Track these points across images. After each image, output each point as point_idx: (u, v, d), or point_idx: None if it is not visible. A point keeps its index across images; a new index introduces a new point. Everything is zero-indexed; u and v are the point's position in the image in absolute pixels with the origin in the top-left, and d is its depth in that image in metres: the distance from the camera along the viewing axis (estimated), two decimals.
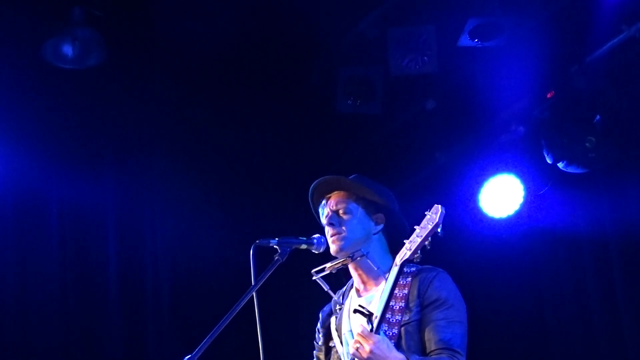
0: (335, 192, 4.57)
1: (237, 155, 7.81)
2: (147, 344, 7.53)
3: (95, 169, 7.57)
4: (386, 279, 4.23)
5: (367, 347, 3.88)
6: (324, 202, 4.59)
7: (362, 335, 3.92)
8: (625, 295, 6.96)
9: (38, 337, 7.14)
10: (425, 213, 4.07)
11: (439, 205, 4.03)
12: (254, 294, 4.03)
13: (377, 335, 3.94)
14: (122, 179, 7.69)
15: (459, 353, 4.14)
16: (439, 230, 3.98)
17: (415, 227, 4.08)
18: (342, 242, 4.41)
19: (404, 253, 4.09)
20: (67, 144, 7.44)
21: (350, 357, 4.29)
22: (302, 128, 7.71)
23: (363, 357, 3.90)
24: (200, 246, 7.78)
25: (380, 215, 4.53)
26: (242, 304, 3.88)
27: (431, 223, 4.00)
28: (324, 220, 4.54)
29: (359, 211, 4.50)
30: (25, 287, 7.18)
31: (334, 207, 4.51)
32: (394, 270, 4.12)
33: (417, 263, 4.21)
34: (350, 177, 4.59)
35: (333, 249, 4.42)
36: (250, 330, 4.12)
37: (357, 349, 3.92)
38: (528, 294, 7.62)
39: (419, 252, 4.06)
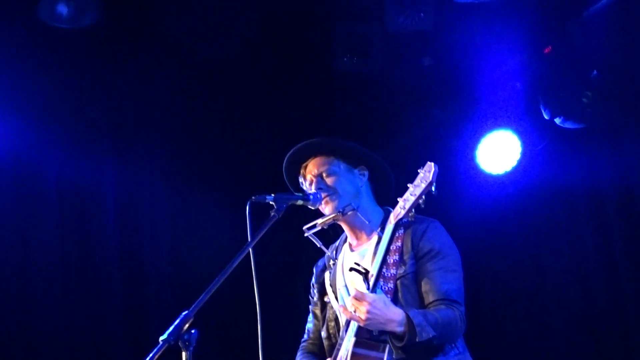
0: (311, 158, 4.57)
1: (233, 115, 7.79)
2: (148, 309, 7.55)
3: (94, 145, 7.54)
4: (379, 234, 4.25)
5: (363, 309, 3.88)
6: (301, 172, 4.60)
7: (357, 298, 3.92)
8: (623, 250, 6.99)
9: (40, 313, 7.14)
10: (418, 171, 4.06)
11: (432, 163, 4.02)
12: (250, 250, 4.04)
13: (371, 295, 3.94)
14: (120, 153, 7.66)
15: (457, 302, 4.17)
16: (433, 188, 3.97)
17: (408, 185, 4.08)
18: (337, 202, 4.43)
19: (399, 212, 4.10)
20: (68, 121, 7.41)
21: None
22: (299, 86, 7.68)
23: (361, 319, 3.91)
24: (198, 208, 7.78)
25: (362, 167, 4.53)
26: (239, 260, 3.88)
27: (425, 181, 3.99)
28: (308, 189, 4.53)
29: (341, 167, 4.51)
30: (26, 264, 7.18)
31: (315, 172, 4.53)
32: (389, 228, 4.13)
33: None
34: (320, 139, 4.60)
35: (329, 209, 4.43)
36: (247, 286, 4.13)
37: (353, 313, 3.93)
38: (525, 250, 7.63)
39: (413, 210, 4.06)
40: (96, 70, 7.39)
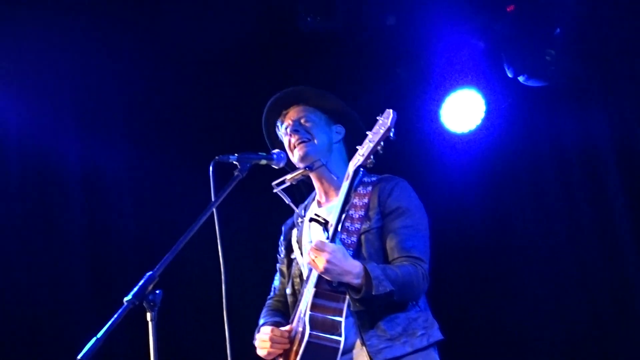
0: (293, 106, 4.58)
1: (196, 76, 7.74)
2: (112, 271, 7.52)
3: (57, 113, 7.48)
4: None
5: (322, 258, 3.89)
6: (280, 118, 4.60)
7: (317, 247, 3.93)
8: (587, 208, 7.05)
9: (2, 275, 7.10)
10: (377, 118, 4.06)
11: (390, 110, 4.01)
12: (214, 210, 4.04)
13: (331, 245, 3.95)
14: (82, 118, 7.60)
15: (421, 260, 4.16)
16: (391, 134, 3.96)
17: (367, 132, 4.08)
18: (309, 148, 4.44)
19: (357, 159, 4.10)
20: (31, 91, 7.34)
21: (309, 268, 4.32)
22: (263, 46, 7.65)
23: (320, 268, 3.91)
24: (161, 170, 7.75)
25: (340, 125, 4.54)
26: (203, 220, 3.88)
27: (383, 127, 3.98)
28: (284, 133, 4.54)
29: (321, 119, 4.52)
30: None
31: (295, 117, 4.53)
32: (348, 174, 4.13)
33: (377, 173, 4.22)
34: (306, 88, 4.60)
35: (298, 156, 4.44)
36: (211, 246, 4.13)
37: (313, 261, 3.94)
38: (489, 208, 7.68)
39: (372, 157, 4.05)
40: (60, 39, 7.33)
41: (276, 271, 4.79)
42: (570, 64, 6.87)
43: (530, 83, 6.96)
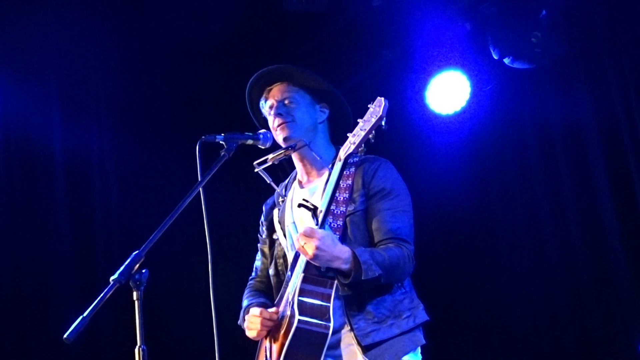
0: (277, 83, 4.56)
1: (181, 58, 7.73)
2: (97, 253, 7.52)
3: (41, 98, 7.45)
4: (330, 170, 4.25)
5: (312, 245, 3.88)
6: (264, 95, 4.58)
7: (305, 233, 3.92)
8: (571, 190, 7.06)
9: None
10: (369, 106, 4.04)
11: (382, 98, 3.98)
12: (200, 190, 4.03)
13: (320, 231, 3.94)
14: (65, 100, 7.57)
15: (406, 242, 4.18)
16: (383, 123, 3.95)
17: (358, 120, 4.06)
18: (291, 130, 4.42)
19: (348, 147, 4.07)
20: (15, 74, 7.30)
21: (293, 250, 4.32)
22: (249, 26, 7.63)
23: (309, 255, 3.91)
24: (147, 151, 7.74)
25: (325, 104, 4.53)
26: (189, 199, 3.88)
27: (375, 116, 3.96)
28: (267, 112, 4.53)
29: (305, 98, 4.51)
30: None
31: (279, 97, 4.51)
32: (338, 165, 4.11)
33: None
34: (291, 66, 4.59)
35: (281, 137, 4.42)
36: (198, 225, 4.13)
37: (302, 247, 3.93)
38: (473, 190, 7.69)
39: (363, 145, 4.05)
40: (46, 24, 7.30)
41: (257, 251, 4.80)
42: (556, 46, 6.87)
43: (515, 65, 6.96)
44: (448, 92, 7.43)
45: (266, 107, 4.56)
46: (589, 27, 6.81)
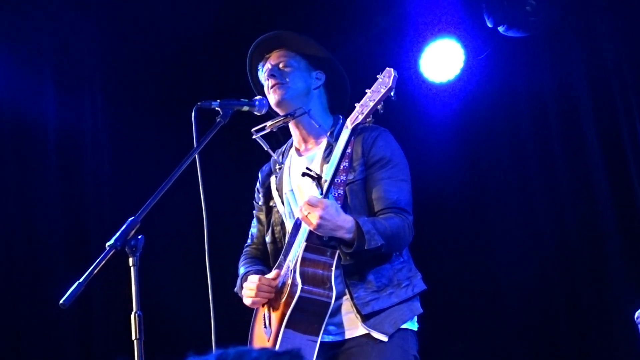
0: (275, 50, 4.56)
1: (175, 17, 7.68)
2: (90, 222, 7.51)
3: (35, 74, 7.40)
4: (328, 138, 4.27)
5: (316, 214, 3.90)
6: (262, 62, 4.59)
7: (309, 203, 3.93)
8: (564, 159, 7.07)
9: None
10: (377, 76, 4.06)
11: (392, 69, 4.03)
12: (196, 155, 4.04)
13: (325, 200, 3.95)
14: (61, 80, 7.54)
15: (406, 211, 4.21)
16: (392, 94, 3.98)
17: (366, 90, 4.08)
18: (284, 92, 4.42)
19: (356, 116, 4.10)
20: (7, 50, 7.27)
21: (292, 217, 4.33)
22: None
23: (313, 224, 3.92)
24: (141, 117, 7.72)
25: (321, 72, 4.53)
26: (185, 166, 3.88)
27: (384, 87, 3.99)
28: (264, 78, 4.53)
29: (301, 64, 4.52)
30: None
31: (274, 62, 4.51)
32: (345, 133, 4.13)
33: None
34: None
35: (274, 99, 4.42)
36: (193, 191, 4.13)
37: (305, 217, 3.94)
38: (466, 158, 7.70)
39: (371, 116, 4.06)
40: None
41: (253, 217, 4.80)
42: (550, 14, 6.86)
43: (510, 33, 6.95)
44: (442, 60, 7.41)
45: (263, 72, 4.56)
46: None
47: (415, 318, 4.29)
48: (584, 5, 6.84)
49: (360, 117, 4.08)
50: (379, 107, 4.03)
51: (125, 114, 7.70)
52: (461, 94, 7.50)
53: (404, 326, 4.19)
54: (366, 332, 4.13)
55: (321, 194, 4.03)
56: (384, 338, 4.11)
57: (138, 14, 7.51)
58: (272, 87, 4.44)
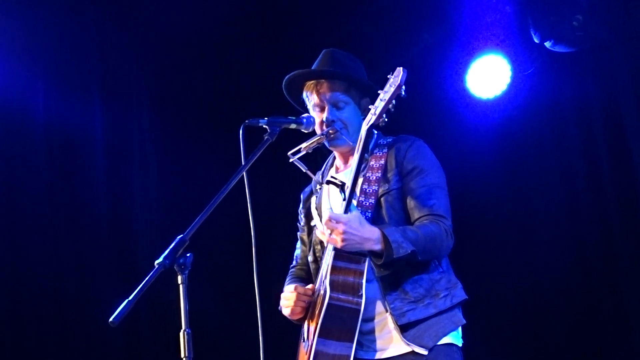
0: (324, 80, 4.45)
1: (222, 39, 7.73)
2: (137, 241, 7.56)
3: (82, 87, 7.49)
4: (366, 154, 4.26)
5: (339, 230, 3.88)
6: (312, 86, 4.46)
7: (330, 219, 3.91)
8: (611, 174, 7.01)
9: (28, 252, 7.13)
10: (388, 76, 4.06)
11: (401, 68, 4.01)
12: (244, 173, 4.03)
13: (346, 215, 3.94)
14: (109, 97, 7.61)
15: (443, 217, 4.16)
16: (402, 91, 3.97)
17: (379, 92, 4.07)
18: (341, 138, 4.38)
19: (370, 118, 4.10)
20: (55, 64, 7.35)
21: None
22: (286, 10, 7.62)
23: (338, 242, 3.91)
24: (189, 136, 7.76)
25: (367, 100, 4.46)
26: (233, 183, 3.87)
27: (394, 85, 3.98)
28: (312, 107, 4.47)
29: (351, 100, 4.42)
30: (14, 205, 7.16)
31: (329, 99, 4.41)
32: (361, 135, 4.12)
33: (392, 134, 4.20)
34: (330, 50, 4.54)
35: (329, 143, 4.41)
36: (241, 208, 4.13)
37: (330, 235, 3.93)
38: (513, 174, 7.65)
39: (384, 115, 4.06)
40: (82, 12, 7.33)
41: (297, 239, 4.80)
42: (597, 29, 6.82)
43: (557, 49, 6.92)
44: (488, 76, 7.40)
45: (312, 101, 4.47)
46: (631, 10, 6.75)
47: (460, 332, 4.23)
48: (630, 19, 6.78)
49: (373, 118, 4.08)
50: (390, 105, 4.03)
51: (172, 131, 7.76)
52: (508, 109, 7.47)
53: (448, 341, 4.14)
54: (409, 349, 4.08)
55: (344, 199, 4.02)
56: (424, 352, 4.06)
57: (186, 30, 7.56)
58: (332, 135, 4.36)
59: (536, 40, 6.94)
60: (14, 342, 6.93)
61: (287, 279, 4.70)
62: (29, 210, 7.16)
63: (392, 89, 3.99)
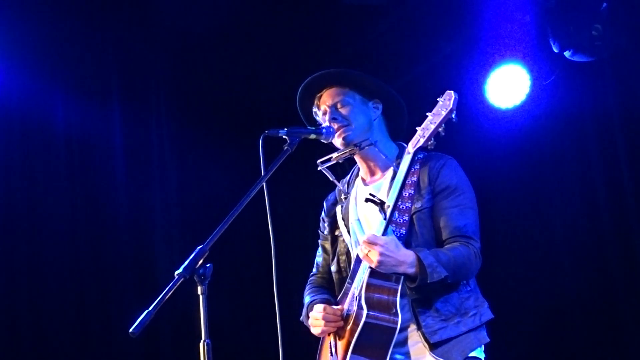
0: (326, 89, 4.53)
1: (240, 51, 7.74)
2: (155, 248, 7.59)
3: (101, 93, 7.54)
4: (394, 168, 4.25)
5: (375, 251, 3.89)
6: (315, 103, 4.56)
7: (369, 240, 3.92)
8: (631, 184, 6.98)
9: (48, 259, 7.18)
10: (438, 99, 4.05)
11: (452, 91, 4.01)
12: (264, 184, 4.03)
13: (383, 237, 3.95)
14: (126, 96, 7.64)
15: (473, 239, 4.19)
16: (453, 115, 3.97)
17: (427, 114, 4.06)
18: (349, 133, 4.40)
19: (417, 140, 4.08)
20: (74, 69, 7.40)
21: (357, 246, 4.31)
22: (306, 21, 7.63)
23: (373, 262, 3.92)
24: (209, 147, 7.78)
25: (377, 100, 4.50)
26: (253, 194, 3.88)
27: (445, 109, 3.98)
28: (322, 118, 4.50)
29: (356, 98, 4.48)
30: (34, 210, 7.20)
31: (330, 102, 4.48)
32: (407, 158, 4.11)
33: (424, 151, 4.19)
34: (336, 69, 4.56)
35: (340, 142, 4.41)
36: (260, 219, 4.13)
37: (366, 255, 3.94)
38: (533, 184, 7.63)
39: (432, 139, 4.04)
40: (101, 16, 7.36)
41: (317, 246, 4.79)
42: (617, 39, 6.79)
43: (576, 58, 6.89)
44: (507, 85, 7.38)
45: (320, 114, 4.53)
46: None
47: (483, 347, 4.26)
48: None
49: (422, 141, 4.06)
50: (440, 129, 4.02)
51: (191, 137, 7.79)
52: (527, 119, 7.45)
53: (471, 354, 4.16)
54: None
55: (384, 218, 4.01)
56: None
57: (206, 37, 7.59)
58: (337, 131, 4.42)
59: (555, 50, 6.91)
60: (34, 353, 6.96)
61: (307, 287, 4.71)
62: (49, 219, 7.22)
63: (444, 113, 3.99)
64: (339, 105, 4.47)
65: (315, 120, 4.61)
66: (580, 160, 7.36)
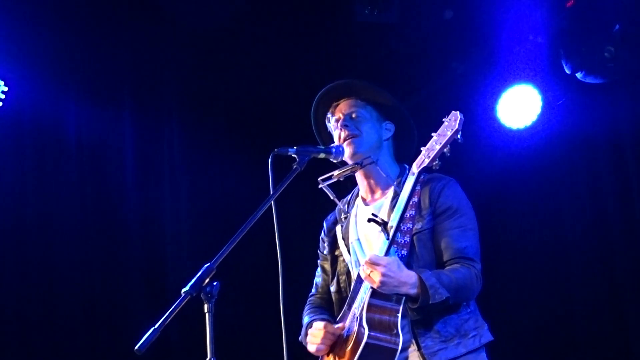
0: (344, 99, 4.53)
1: (253, 67, 7.76)
2: (166, 262, 7.60)
3: (113, 99, 7.57)
4: (395, 188, 4.24)
5: (378, 272, 3.88)
6: (330, 110, 4.55)
7: (371, 261, 3.91)
8: None
9: (58, 265, 7.19)
10: (443, 120, 4.04)
11: (457, 112, 3.99)
12: (272, 202, 4.02)
13: (385, 258, 3.94)
14: (138, 106, 7.66)
15: (474, 261, 4.18)
16: (458, 136, 3.95)
17: (432, 134, 4.05)
18: (358, 145, 4.39)
19: (422, 160, 4.07)
20: (86, 74, 7.43)
21: (357, 266, 4.31)
22: (319, 39, 7.65)
23: (375, 282, 3.90)
24: (218, 162, 7.79)
25: (390, 122, 4.50)
26: (261, 212, 3.88)
27: (450, 130, 3.96)
28: (334, 126, 4.50)
29: (372, 114, 4.49)
30: (45, 216, 7.23)
31: (346, 111, 4.48)
32: (411, 178, 4.10)
33: (426, 171, 4.18)
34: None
35: (348, 152, 4.39)
36: (268, 237, 4.13)
37: (368, 276, 3.92)
38: (545, 205, 7.62)
39: (437, 159, 4.04)
40: (113, 23, 7.39)
41: (317, 267, 4.79)
42: (629, 60, 6.79)
43: (588, 80, 6.89)
44: (519, 106, 7.39)
45: (332, 121, 4.53)
46: None
47: None
48: None
49: (427, 161, 4.05)
50: (445, 150, 4.00)
51: (202, 145, 7.80)
52: (538, 140, 7.45)
53: None
54: None
55: (387, 239, 4.00)
56: None
57: (219, 45, 7.61)
58: (345, 139, 4.41)
59: (567, 71, 6.92)
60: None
61: (306, 308, 4.70)
62: (61, 225, 7.23)
63: (449, 134, 3.97)
64: (354, 116, 4.46)
65: (325, 127, 4.62)
66: (591, 181, 7.36)
